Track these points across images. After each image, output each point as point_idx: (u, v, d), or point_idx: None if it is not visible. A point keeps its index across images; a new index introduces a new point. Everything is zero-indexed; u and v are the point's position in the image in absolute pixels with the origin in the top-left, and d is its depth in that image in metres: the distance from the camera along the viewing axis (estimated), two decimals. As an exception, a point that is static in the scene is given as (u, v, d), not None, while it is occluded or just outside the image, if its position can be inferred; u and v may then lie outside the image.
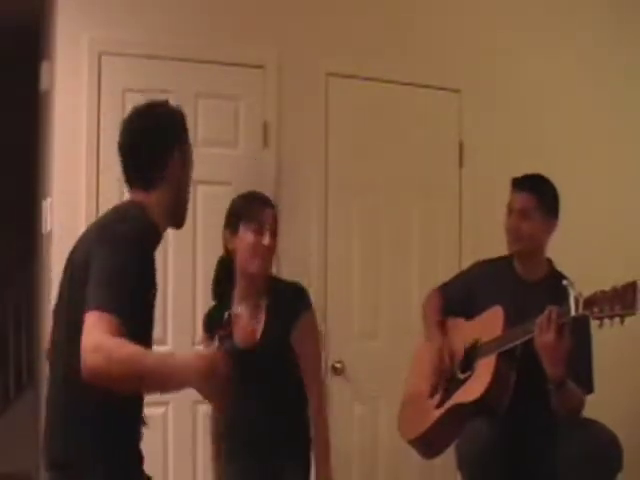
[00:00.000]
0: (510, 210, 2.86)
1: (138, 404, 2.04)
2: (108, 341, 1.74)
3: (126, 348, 1.75)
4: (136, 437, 2.03)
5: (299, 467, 2.76)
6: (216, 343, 2.33)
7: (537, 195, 2.82)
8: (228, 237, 2.75)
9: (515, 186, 2.87)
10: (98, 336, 1.74)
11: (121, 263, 1.87)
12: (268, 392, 2.71)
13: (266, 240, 2.68)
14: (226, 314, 2.56)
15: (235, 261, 2.75)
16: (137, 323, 1.88)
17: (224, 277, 2.80)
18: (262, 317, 2.72)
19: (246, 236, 2.69)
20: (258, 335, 2.70)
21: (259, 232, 2.68)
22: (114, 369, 1.72)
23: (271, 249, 2.71)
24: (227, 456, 2.81)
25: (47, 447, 2.01)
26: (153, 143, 2.08)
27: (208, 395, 2.02)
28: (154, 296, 2.08)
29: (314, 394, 2.73)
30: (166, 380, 1.85)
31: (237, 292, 2.77)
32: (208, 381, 1.90)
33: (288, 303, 2.73)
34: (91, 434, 1.92)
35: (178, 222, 2.20)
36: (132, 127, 2.10)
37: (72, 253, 2.05)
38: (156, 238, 2.07)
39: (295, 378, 2.73)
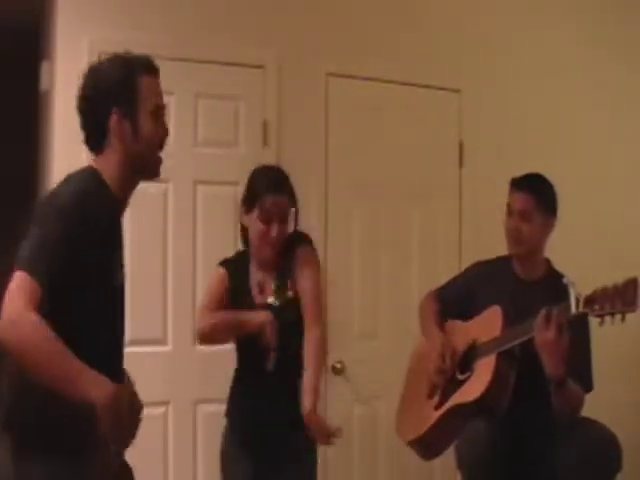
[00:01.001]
0: (510, 211, 2.85)
1: None
2: (18, 310, 1.72)
3: (31, 325, 1.71)
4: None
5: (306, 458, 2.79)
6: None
7: (537, 195, 2.81)
8: (242, 213, 2.80)
9: (514, 186, 2.87)
10: (11, 302, 1.73)
11: (51, 229, 1.85)
12: (274, 388, 2.73)
13: (274, 231, 2.70)
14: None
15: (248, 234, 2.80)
16: (78, 294, 1.85)
17: (243, 241, 2.87)
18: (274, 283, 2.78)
19: (256, 223, 2.73)
20: (271, 297, 2.76)
21: (268, 221, 2.71)
22: (15, 341, 1.71)
23: (280, 237, 2.73)
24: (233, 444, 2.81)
25: None
26: (87, 107, 2.05)
27: (107, 428, 1.75)
28: (113, 262, 2.02)
29: (313, 336, 2.70)
30: (62, 376, 1.74)
31: (253, 261, 2.82)
32: (108, 411, 1.72)
33: (291, 254, 2.77)
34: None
35: (146, 176, 2.13)
36: (79, 87, 2.08)
37: None
38: (105, 201, 2.00)
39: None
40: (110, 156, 2.04)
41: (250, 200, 2.76)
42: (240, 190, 3.55)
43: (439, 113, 4.03)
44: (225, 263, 2.87)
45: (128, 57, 2.08)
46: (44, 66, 3.73)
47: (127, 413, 1.77)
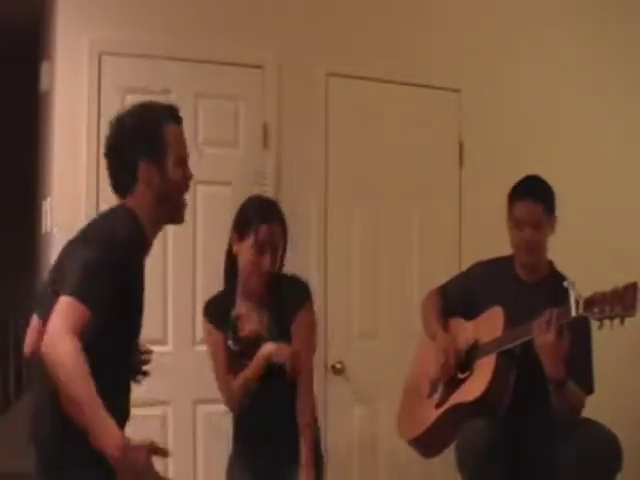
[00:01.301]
0: (519, 223, 2.77)
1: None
2: (69, 342, 1.79)
3: (68, 348, 1.78)
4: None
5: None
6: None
7: (544, 202, 2.78)
8: (234, 240, 2.77)
9: (520, 197, 2.79)
10: (65, 328, 1.80)
11: (104, 258, 1.93)
12: (279, 389, 2.73)
13: (267, 261, 2.69)
14: (232, 316, 2.69)
15: (238, 262, 2.77)
16: (112, 325, 1.92)
17: (229, 272, 2.83)
18: (265, 316, 2.75)
19: (247, 252, 2.71)
20: (262, 333, 2.74)
21: (260, 251, 2.69)
22: (55, 368, 1.78)
23: (272, 267, 2.71)
24: (238, 455, 2.83)
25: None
26: (116, 157, 2.15)
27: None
28: (138, 302, 2.10)
29: (302, 392, 2.72)
30: (81, 411, 1.81)
31: (240, 291, 2.79)
32: (118, 462, 1.83)
33: (287, 300, 2.75)
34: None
35: (172, 220, 2.23)
36: (106, 136, 2.17)
37: (60, 254, 2.12)
38: (142, 240, 2.11)
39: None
40: (140, 199, 2.13)
41: (243, 227, 2.73)
42: (240, 190, 3.59)
43: (439, 113, 4.03)
44: (208, 310, 2.84)
45: (154, 106, 2.19)
46: (44, 66, 3.74)
47: (144, 468, 1.91)
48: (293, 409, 2.71)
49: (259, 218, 2.71)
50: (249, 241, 2.70)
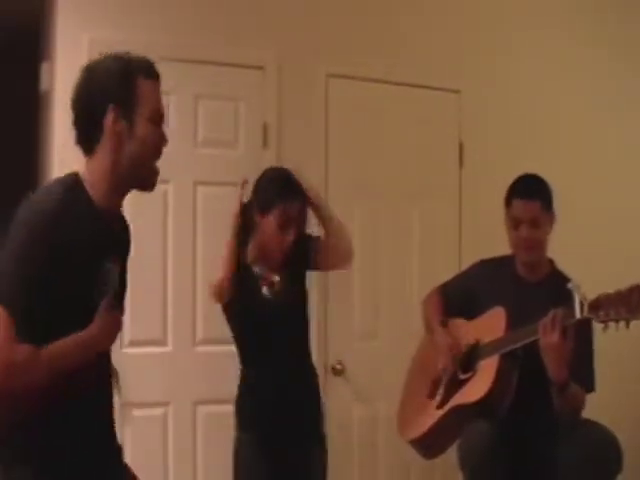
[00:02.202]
0: (517, 221, 2.79)
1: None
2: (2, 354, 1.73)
3: (17, 356, 1.74)
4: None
5: (323, 450, 2.90)
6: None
7: (541, 199, 2.79)
8: (256, 212, 2.80)
9: (517, 196, 2.80)
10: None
11: (16, 249, 1.81)
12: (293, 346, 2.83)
13: (289, 238, 2.75)
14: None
15: (257, 231, 2.81)
16: (54, 311, 1.82)
17: (242, 228, 2.87)
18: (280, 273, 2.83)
19: (270, 228, 2.76)
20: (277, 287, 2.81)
21: (283, 229, 2.75)
22: (14, 384, 1.74)
23: (293, 242, 2.77)
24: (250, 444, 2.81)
25: None
26: (83, 103, 1.96)
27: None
28: (82, 279, 1.92)
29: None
30: (73, 357, 1.84)
31: (252, 252, 2.83)
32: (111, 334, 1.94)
33: (302, 248, 2.83)
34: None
35: (139, 184, 2.03)
36: (75, 83, 1.99)
37: None
38: (84, 211, 1.91)
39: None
40: (101, 158, 1.94)
41: (265, 203, 2.78)
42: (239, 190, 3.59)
43: (439, 113, 4.03)
44: None
45: (128, 57, 2.01)
46: (44, 66, 3.73)
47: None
48: (313, 390, 2.83)
49: (282, 196, 2.76)
50: (271, 217, 2.75)
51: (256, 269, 2.83)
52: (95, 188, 1.94)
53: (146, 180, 2.03)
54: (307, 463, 2.81)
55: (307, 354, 2.90)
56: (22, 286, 1.78)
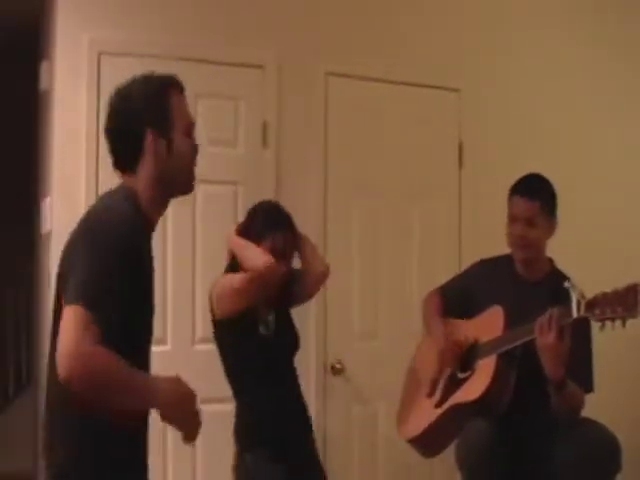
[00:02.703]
0: (513, 218, 2.80)
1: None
2: (84, 346, 1.72)
3: (102, 357, 1.74)
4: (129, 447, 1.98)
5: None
6: None
7: (540, 200, 2.78)
8: (248, 245, 2.82)
9: (518, 193, 2.81)
10: (74, 339, 1.72)
11: (101, 257, 1.84)
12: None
13: (283, 267, 2.79)
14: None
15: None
16: (125, 320, 1.85)
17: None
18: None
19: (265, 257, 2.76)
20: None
21: (277, 257, 2.75)
22: (89, 377, 1.72)
23: (285, 273, 2.82)
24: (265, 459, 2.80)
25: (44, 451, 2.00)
26: (120, 129, 2.05)
27: (176, 422, 1.95)
28: (147, 288, 2.06)
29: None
30: (133, 395, 1.84)
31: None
32: (175, 406, 1.90)
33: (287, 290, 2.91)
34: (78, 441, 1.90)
35: (181, 192, 2.16)
36: (108, 110, 2.08)
37: (63, 250, 2.02)
38: (141, 222, 2.02)
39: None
40: (143, 176, 2.04)
41: (258, 234, 2.80)
42: (240, 190, 3.60)
43: (439, 113, 4.03)
44: None
45: (157, 76, 2.10)
46: (44, 66, 3.73)
47: (187, 403, 1.93)
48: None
49: (274, 227, 2.82)
50: (264, 248, 2.77)
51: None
52: (142, 200, 2.03)
53: (187, 186, 2.15)
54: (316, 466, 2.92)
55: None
56: (106, 293, 1.80)
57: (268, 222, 2.83)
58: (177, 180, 2.10)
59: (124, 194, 2.01)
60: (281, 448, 2.78)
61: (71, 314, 1.75)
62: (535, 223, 2.77)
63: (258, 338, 2.81)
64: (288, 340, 2.91)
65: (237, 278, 2.74)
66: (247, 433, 2.84)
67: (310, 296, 3.10)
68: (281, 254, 2.78)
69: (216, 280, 2.84)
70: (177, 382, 1.92)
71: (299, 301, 3.03)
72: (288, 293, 2.92)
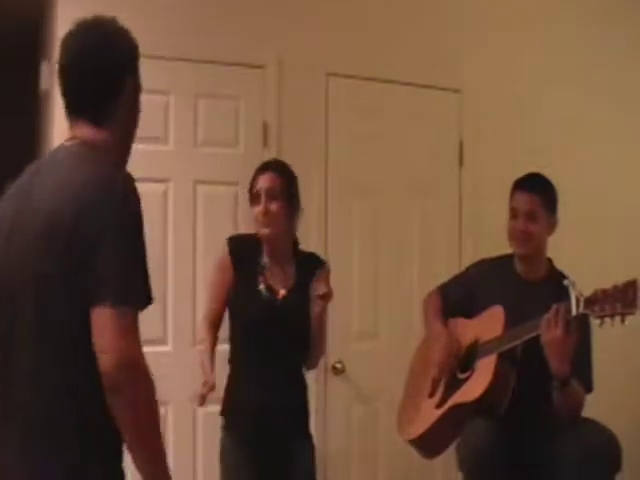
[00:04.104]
0: (515, 212, 2.82)
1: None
2: (142, 366, 1.61)
3: (152, 404, 1.66)
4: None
5: (307, 444, 2.85)
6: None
7: (543, 196, 2.81)
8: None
9: (520, 187, 2.84)
10: (131, 349, 1.57)
11: (135, 248, 1.61)
12: (286, 355, 2.80)
13: (273, 206, 2.75)
14: (262, 262, 2.78)
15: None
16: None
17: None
18: (290, 280, 2.82)
19: (251, 210, 2.80)
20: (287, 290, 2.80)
21: (255, 201, 2.78)
22: (136, 399, 1.61)
23: (269, 213, 2.76)
24: (232, 431, 2.81)
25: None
26: (107, 65, 1.74)
27: None
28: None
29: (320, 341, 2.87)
30: (150, 459, 1.71)
31: (266, 251, 2.85)
32: None
33: (311, 271, 2.82)
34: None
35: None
36: (81, 44, 1.76)
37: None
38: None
39: (305, 349, 2.83)
40: (116, 130, 1.76)
41: (249, 192, 2.82)
42: (240, 190, 3.59)
43: (439, 113, 4.03)
44: (233, 242, 2.88)
45: (123, 27, 1.88)
46: (44, 66, 3.73)
47: None
48: (291, 393, 2.80)
49: (255, 172, 2.83)
50: (250, 197, 2.80)
51: (264, 260, 2.83)
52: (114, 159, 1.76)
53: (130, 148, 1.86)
54: (290, 462, 2.79)
55: (298, 361, 2.87)
56: (140, 284, 1.62)
57: (253, 176, 2.83)
58: (125, 153, 1.82)
59: (105, 158, 1.71)
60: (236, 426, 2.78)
61: (114, 315, 1.55)
62: (536, 217, 2.79)
63: (256, 296, 2.78)
64: (286, 312, 2.79)
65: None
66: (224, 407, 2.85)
67: None
68: (259, 195, 2.75)
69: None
70: None
71: None
72: (306, 272, 2.82)
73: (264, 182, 2.78)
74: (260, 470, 2.75)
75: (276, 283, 2.81)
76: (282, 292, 2.79)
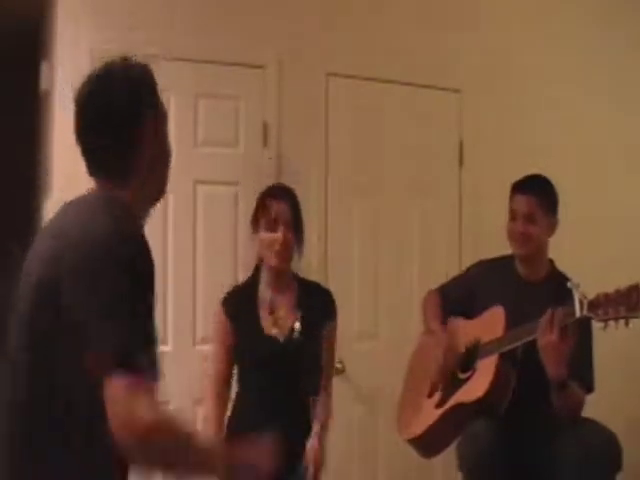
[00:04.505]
0: (514, 214, 2.83)
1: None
2: (164, 421, 1.54)
3: (180, 429, 1.57)
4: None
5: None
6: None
7: (541, 197, 2.81)
8: (254, 238, 2.80)
9: (518, 190, 2.85)
10: (147, 411, 1.51)
11: (126, 292, 1.51)
12: (297, 387, 2.72)
13: (279, 234, 2.71)
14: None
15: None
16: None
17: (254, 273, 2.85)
18: (295, 311, 2.78)
19: (261, 235, 2.75)
20: (294, 326, 2.75)
21: (271, 228, 2.72)
22: (154, 451, 1.51)
23: (288, 243, 2.73)
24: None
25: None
26: (118, 121, 1.65)
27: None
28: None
29: (326, 388, 2.86)
30: (194, 467, 1.60)
31: (264, 279, 2.82)
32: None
33: (321, 303, 2.83)
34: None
35: (160, 197, 1.79)
36: (94, 100, 1.67)
37: (30, 266, 1.70)
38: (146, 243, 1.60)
39: (318, 376, 2.81)
40: (145, 179, 1.68)
41: (255, 215, 2.78)
42: (240, 190, 3.59)
43: (439, 113, 4.03)
44: (226, 301, 2.83)
45: (134, 61, 1.81)
46: (44, 66, 3.73)
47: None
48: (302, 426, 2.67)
49: (268, 196, 2.78)
50: (261, 224, 2.74)
51: (265, 293, 2.81)
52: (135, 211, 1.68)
53: (164, 191, 1.79)
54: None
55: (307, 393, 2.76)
56: (145, 330, 1.55)
57: (261, 198, 2.79)
58: (161, 183, 1.75)
59: (123, 207, 1.62)
60: None
61: (125, 383, 1.48)
62: (534, 219, 2.79)
63: (260, 332, 2.74)
64: (298, 350, 2.76)
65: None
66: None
67: None
68: (274, 223, 2.71)
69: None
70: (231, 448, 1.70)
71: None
72: (315, 305, 2.80)
73: (282, 210, 2.73)
74: None
75: (282, 314, 2.78)
76: (297, 325, 2.75)
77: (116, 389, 1.46)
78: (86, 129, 1.68)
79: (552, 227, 2.85)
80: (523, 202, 2.81)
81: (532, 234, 2.80)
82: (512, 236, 2.84)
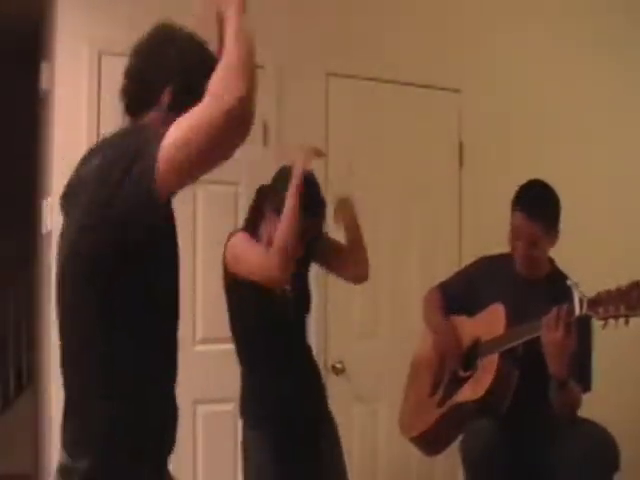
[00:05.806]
0: (517, 235, 2.73)
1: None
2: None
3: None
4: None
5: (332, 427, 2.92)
6: None
7: (545, 222, 2.70)
8: (270, 208, 2.73)
9: (520, 210, 2.71)
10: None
11: None
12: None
13: (301, 252, 2.69)
14: None
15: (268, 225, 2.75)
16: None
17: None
18: None
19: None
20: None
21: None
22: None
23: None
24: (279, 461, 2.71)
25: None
26: (147, 79, 1.99)
27: None
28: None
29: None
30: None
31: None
32: None
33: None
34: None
35: None
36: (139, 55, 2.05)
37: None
38: None
39: None
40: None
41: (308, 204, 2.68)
42: (240, 190, 3.59)
43: (439, 113, 4.03)
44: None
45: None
46: (44, 66, 3.73)
47: None
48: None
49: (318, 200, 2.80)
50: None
51: None
52: None
53: None
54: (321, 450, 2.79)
55: (308, 347, 2.92)
56: None
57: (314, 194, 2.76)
58: None
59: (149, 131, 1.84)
60: (282, 430, 2.70)
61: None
62: (537, 244, 2.72)
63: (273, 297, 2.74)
64: (301, 301, 2.84)
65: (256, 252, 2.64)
66: (252, 408, 2.77)
67: (340, 276, 3.00)
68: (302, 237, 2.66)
69: (234, 236, 2.73)
70: None
71: (324, 266, 2.97)
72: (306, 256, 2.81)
73: (310, 227, 2.72)
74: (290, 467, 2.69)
75: None
76: (287, 287, 2.78)
77: None
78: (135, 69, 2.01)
79: (555, 238, 2.76)
80: (527, 229, 2.70)
81: (534, 257, 2.75)
82: (515, 252, 2.77)
